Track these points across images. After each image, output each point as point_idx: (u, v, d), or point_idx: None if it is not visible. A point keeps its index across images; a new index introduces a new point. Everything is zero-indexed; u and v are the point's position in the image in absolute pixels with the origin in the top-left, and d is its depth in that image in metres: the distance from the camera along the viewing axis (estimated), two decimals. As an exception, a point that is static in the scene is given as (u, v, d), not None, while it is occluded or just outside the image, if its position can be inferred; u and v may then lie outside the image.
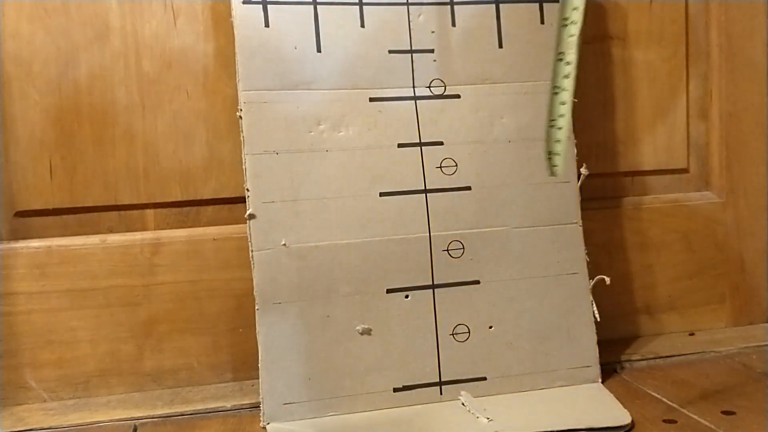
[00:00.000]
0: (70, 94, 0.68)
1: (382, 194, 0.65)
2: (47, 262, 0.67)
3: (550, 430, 0.59)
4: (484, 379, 0.65)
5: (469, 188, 0.66)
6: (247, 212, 0.62)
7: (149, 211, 0.71)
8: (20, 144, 0.68)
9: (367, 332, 0.63)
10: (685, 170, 0.83)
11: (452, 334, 0.65)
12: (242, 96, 0.63)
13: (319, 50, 0.65)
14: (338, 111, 0.65)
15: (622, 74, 0.80)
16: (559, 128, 0.46)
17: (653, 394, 0.66)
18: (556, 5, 0.70)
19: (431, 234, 0.65)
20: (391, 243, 0.64)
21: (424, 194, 0.65)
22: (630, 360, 0.74)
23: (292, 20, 0.64)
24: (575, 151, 0.69)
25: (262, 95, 0.63)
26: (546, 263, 0.67)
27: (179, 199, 0.71)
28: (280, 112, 0.64)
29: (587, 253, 0.69)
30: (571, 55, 0.47)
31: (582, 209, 0.69)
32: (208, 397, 0.67)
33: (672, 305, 0.81)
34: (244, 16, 0.64)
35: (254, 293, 0.62)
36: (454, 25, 0.68)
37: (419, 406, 0.64)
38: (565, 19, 0.47)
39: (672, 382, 0.69)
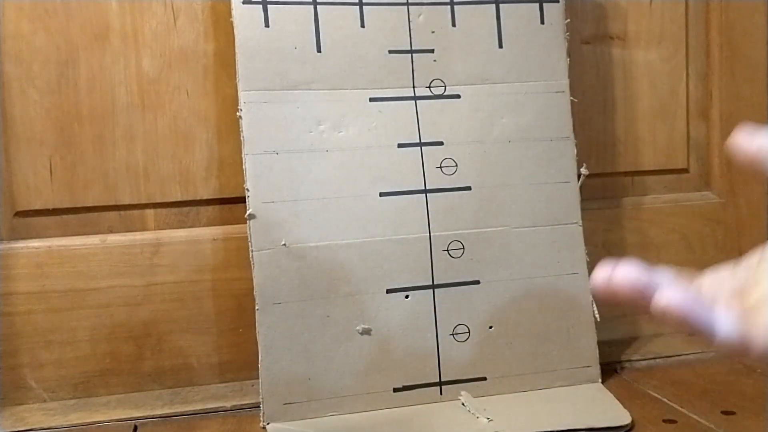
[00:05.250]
0: (70, 94, 0.68)
1: (382, 194, 0.65)
2: (47, 262, 0.67)
3: (550, 430, 0.59)
4: (484, 379, 0.65)
5: (469, 188, 0.66)
6: (247, 212, 0.62)
7: (149, 211, 0.71)
8: (20, 144, 0.67)
9: (367, 332, 0.63)
10: (685, 170, 0.83)
11: (452, 334, 0.65)
12: (242, 96, 0.63)
13: (319, 50, 0.65)
14: (338, 111, 0.65)
15: (622, 74, 0.80)
16: None
17: (653, 394, 0.66)
18: (556, 5, 0.70)
19: (431, 234, 0.65)
20: (391, 243, 0.64)
21: (424, 194, 0.65)
22: (630, 360, 0.73)
23: (292, 20, 0.64)
24: (575, 151, 0.69)
25: (262, 95, 0.63)
26: (546, 263, 0.67)
27: (179, 199, 0.71)
28: (280, 112, 0.64)
29: (587, 253, 0.69)
30: None
31: (582, 209, 0.69)
32: (208, 397, 0.67)
33: (672, 305, 0.81)
34: (244, 16, 0.64)
35: (254, 293, 0.62)
36: (454, 25, 0.68)
37: (419, 406, 0.64)
38: None
39: (672, 382, 0.69)
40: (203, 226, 0.71)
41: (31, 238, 0.68)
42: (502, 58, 0.68)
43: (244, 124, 0.63)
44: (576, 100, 0.71)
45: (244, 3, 0.64)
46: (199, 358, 0.70)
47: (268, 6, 0.64)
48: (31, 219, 0.69)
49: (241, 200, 0.64)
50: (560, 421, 0.60)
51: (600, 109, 0.80)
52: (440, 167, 0.66)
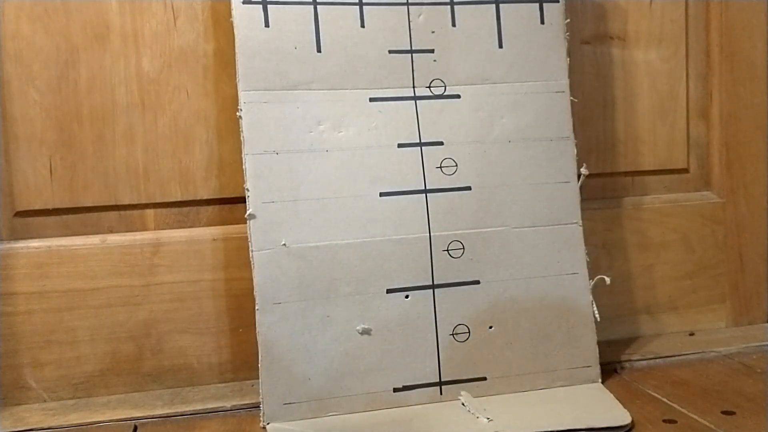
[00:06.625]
0: (70, 94, 0.68)
1: (382, 194, 0.65)
2: (47, 262, 0.67)
3: (550, 430, 0.59)
4: (484, 379, 0.65)
5: (469, 188, 0.66)
6: (247, 212, 0.62)
7: (149, 211, 0.71)
8: (20, 144, 0.68)
9: (367, 332, 0.63)
10: (685, 170, 0.83)
11: (452, 334, 0.65)
12: (242, 96, 0.63)
13: (319, 50, 0.65)
14: (338, 111, 0.65)
15: (622, 74, 0.80)
16: None
17: (653, 394, 0.66)
18: (556, 5, 0.70)
19: (431, 234, 0.65)
20: (391, 243, 0.64)
21: (424, 194, 0.65)
22: (630, 360, 0.74)
23: (292, 20, 0.64)
24: (575, 151, 0.69)
25: (262, 95, 0.63)
26: (546, 263, 0.67)
27: (179, 199, 0.71)
28: (280, 112, 0.64)
29: (587, 253, 0.69)
30: None
31: (582, 209, 0.69)
32: (208, 397, 0.67)
33: (672, 305, 0.81)
34: (244, 16, 0.64)
35: (254, 293, 0.62)
36: (454, 25, 0.68)
37: (419, 406, 0.64)
38: None
39: (672, 382, 0.69)
40: (203, 226, 0.72)
41: (31, 238, 0.68)
42: (502, 58, 0.68)
43: (244, 124, 0.63)
44: (576, 100, 0.71)
45: (244, 3, 0.64)
46: (199, 358, 0.70)
47: (268, 6, 0.64)
48: (31, 219, 0.69)
49: (241, 200, 0.64)
50: (560, 421, 0.60)
51: (600, 109, 0.80)
52: (440, 167, 0.66)
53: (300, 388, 0.62)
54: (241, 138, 0.63)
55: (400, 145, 0.66)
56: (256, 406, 0.63)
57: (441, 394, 0.64)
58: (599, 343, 0.68)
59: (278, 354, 0.61)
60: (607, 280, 0.69)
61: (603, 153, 0.80)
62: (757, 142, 0.83)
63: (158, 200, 0.70)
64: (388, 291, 0.64)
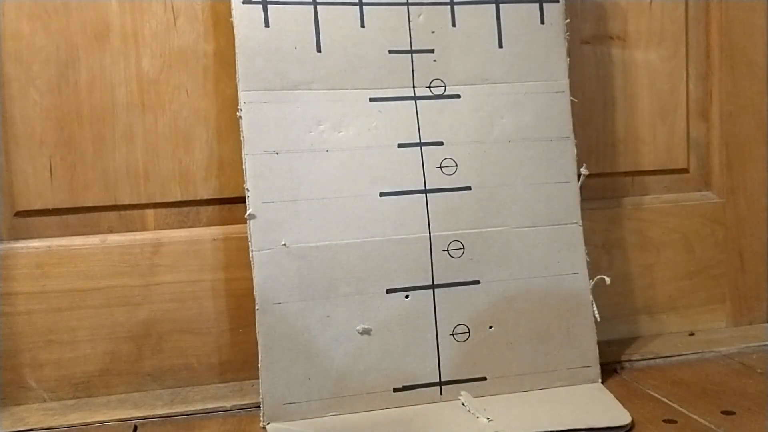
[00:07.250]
0: (70, 94, 0.68)
1: (382, 194, 0.65)
2: (47, 262, 0.67)
3: (550, 430, 0.59)
4: (484, 379, 0.65)
5: (469, 188, 0.66)
6: (247, 212, 0.62)
7: (149, 211, 0.71)
8: (20, 144, 0.68)
9: (367, 332, 0.63)
10: (685, 170, 0.83)
11: (452, 334, 0.65)
12: (242, 96, 0.63)
13: (319, 50, 0.65)
14: (338, 111, 0.65)
15: (622, 74, 0.80)
16: None
17: (653, 394, 0.66)
18: (556, 5, 0.70)
19: (431, 234, 0.65)
20: (391, 243, 0.64)
21: (424, 194, 0.65)
22: (630, 360, 0.74)
23: (292, 20, 0.64)
24: (575, 151, 0.69)
25: (262, 95, 0.63)
26: (546, 263, 0.67)
27: (179, 199, 0.71)
28: (280, 112, 0.64)
29: (587, 253, 0.69)
30: None
31: (582, 209, 0.69)
32: (208, 397, 0.67)
33: (672, 305, 0.81)
34: (244, 16, 0.64)
35: (254, 293, 0.62)
36: (454, 25, 0.68)
37: (419, 406, 0.64)
38: None
39: (672, 382, 0.69)
40: (203, 226, 0.72)
41: (31, 238, 0.68)
42: (502, 58, 0.68)
43: (244, 124, 0.63)
44: (576, 100, 0.71)
45: (244, 3, 0.64)
46: (199, 358, 0.70)
47: (268, 6, 0.64)
48: (31, 219, 0.69)
49: (241, 200, 0.64)
50: (560, 421, 0.60)
51: (600, 109, 0.80)
52: (440, 167, 0.66)
53: (300, 388, 0.62)
54: (241, 138, 0.63)
55: (400, 145, 0.66)
56: (256, 406, 0.63)
57: (441, 394, 0.64)
58: (599, 343, 0.68)
59: (278, 354, 0.61)
60: (607, 280, 0.69)
61: (603, 153, 0.80)
62: (757, 142, 0.83)
63: (158, 200, 0.70)
64: (388, 291, 0.64)
